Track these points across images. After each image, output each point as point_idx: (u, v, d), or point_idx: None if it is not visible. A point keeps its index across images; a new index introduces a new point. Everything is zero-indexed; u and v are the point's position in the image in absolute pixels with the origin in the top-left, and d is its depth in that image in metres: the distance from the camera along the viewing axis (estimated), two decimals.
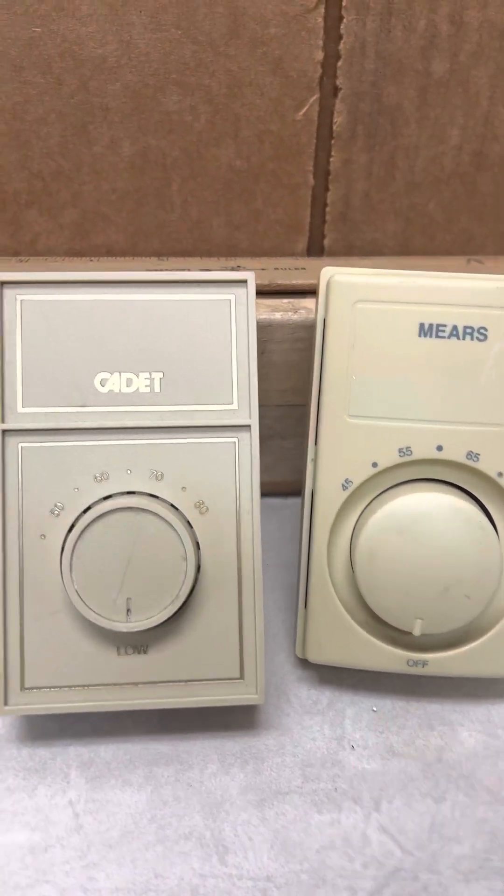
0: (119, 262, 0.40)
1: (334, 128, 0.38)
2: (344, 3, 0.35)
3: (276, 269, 0.38)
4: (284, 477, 0.41)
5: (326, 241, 0.41)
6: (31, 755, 0.30)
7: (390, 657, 0.31)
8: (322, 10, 0.35)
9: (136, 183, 0.39)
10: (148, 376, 0.29)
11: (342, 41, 0.36)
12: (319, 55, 0.36)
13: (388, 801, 0.29)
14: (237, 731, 0.31)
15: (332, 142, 0.38)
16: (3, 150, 0.37)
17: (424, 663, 0.30)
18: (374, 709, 0.32)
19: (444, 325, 0.28)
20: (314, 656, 0.31)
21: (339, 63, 0.36)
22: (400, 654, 0.31)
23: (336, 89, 0.37)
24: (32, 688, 0.29)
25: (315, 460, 0.30)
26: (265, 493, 0.42)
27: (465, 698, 0.32)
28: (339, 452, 0.30)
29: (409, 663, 0.31)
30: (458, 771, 0.30)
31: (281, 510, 0.41)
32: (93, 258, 0.40)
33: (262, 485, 0.41)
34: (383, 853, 0.27)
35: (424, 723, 0.31)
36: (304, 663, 0.33)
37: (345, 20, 0.35)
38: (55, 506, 0.29)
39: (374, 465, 0.29)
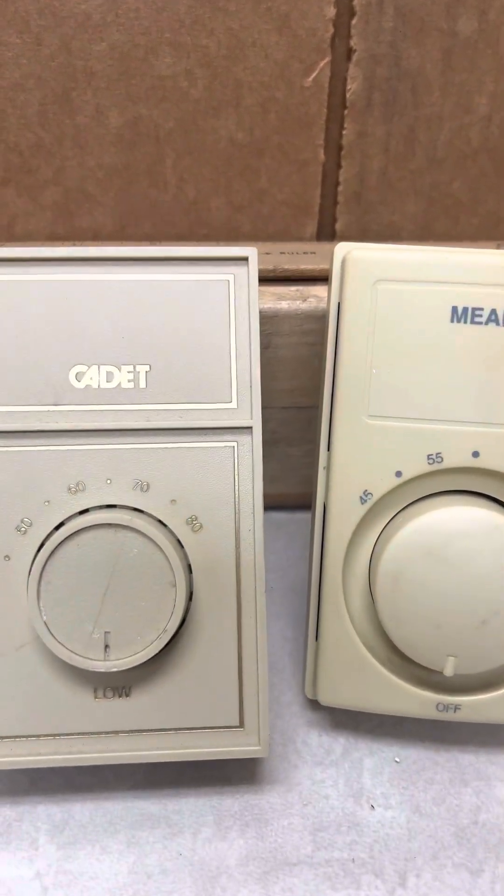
0: None
1: (347, 96, 0.34)
2: None
3: (281, 253, 0.34)
4: (292, 489, 0.37)
5: (338, 225, 0.37)
6: None
7: (417, 700, 0.26)
8: None
9: (126, 158, 0.34)
10: (132, 370, 0.25)
11: None
12: (331, 12, 0.32)
13: (415, 874, 0.24)
14: (236, 787, 0.26)
15: (346, 112, 0.34)
16: None
17: (457, 708, 0.26)
18: (398, 759, 0.27)
19: (481, 309, 0.24)
20: (327, 698, 0.27)
21: (354, 21, 0.32)
22: (428, 697, 0.26)
23: (350, 51, 0.33)
24: None
25: (328, 468, 0.26)
26: (270, 507, 0.38)
27: (502, 747, 0.28)
28: (357, 459, 0.25)
29: (439, 708, 0.26)
30: (498, 836, 0.25)
31: (287, 526, 0.37)
32: (77, 243, 0.36)
33: (267, 497, 0.37)
34: None
35: (457, 777, 0.27)
36: (315, 704, 0.29)
37: None
38: (22, 522, 0.24)
39: (398, 474, 0.25)
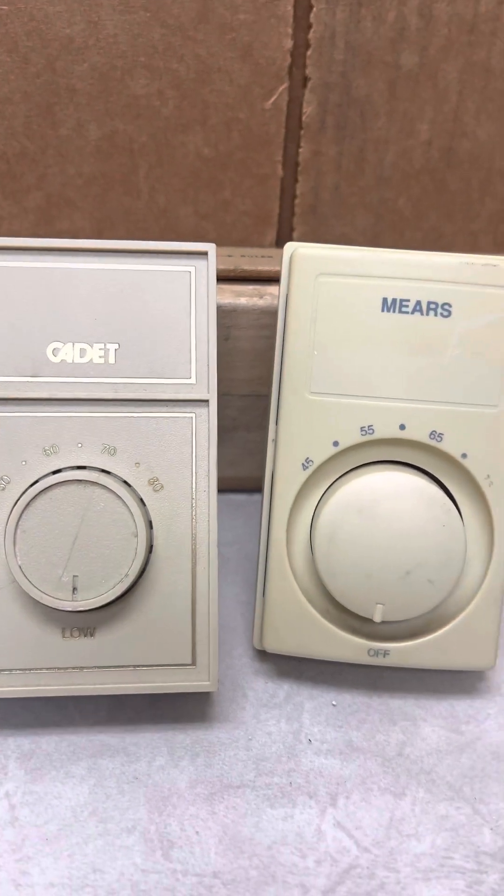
0: None
1: (303, 118, 0.38)
2: None
3: (242, 256, 0.38)
4: (250, 472, 0.40)
5: (295, 234, 0.41)
6: None
7: (350, 646, 0.29)
8: None
9: (103, 168, 0.38)
10: (102, 347, 0.28)
11: (312, 30, 0.36)
12: (289, 43, 0.36)
13: (345, 796, 0.27)
14: (189, 724, 0.29)
15: (302, 132, 0.38)
16: None
17: (386, 653, 0.29)
18: (335, 703, 0.30)
19: (408, 301, 0.28)
20: (271, 645, 0.30)
21: (309, 52, 0.36)
22: (360, 644, 0.29)
23: (305, 79, 0.37)
24: None
25: (275, 440, 0.29)
26: (229, 490, 0.41)
27: (428, 693, 0.31)
28: (300, 431, 0.29)
29: (370, 653, 0.29)
30: (420, 766, 0.28)
31: (246, 506, 0.40)
32: None
33: (226, 479, 0.41)
34: (338, 850, 0.26)
35: (386, 717, 0.30)
36: (263, 657, 0.32)
37: (315, 9, 0.35)
38: (1, 479, 0.27)
39: (336, 443, 0.28)
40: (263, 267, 0.36)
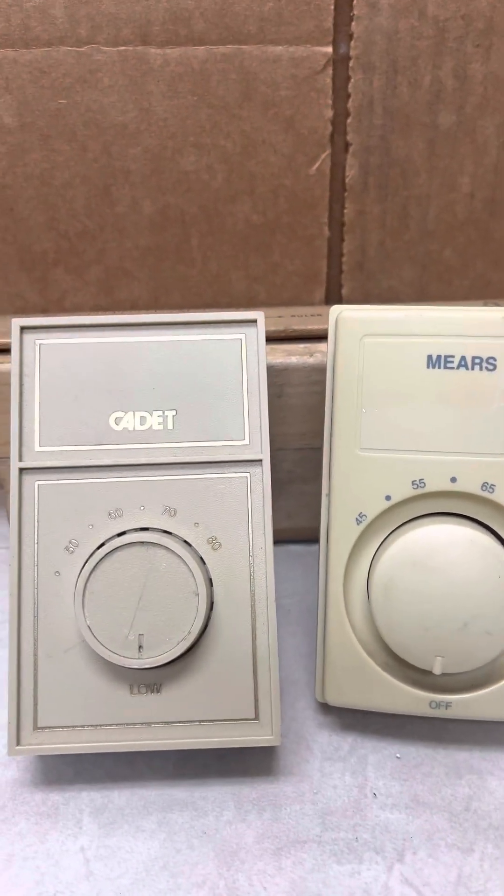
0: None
1: (346, 181, 0.39)
2: (351, 64, 0.37)
3: (292, 316, 0.39)
4: (307, 523, 0.41)
5: (344, 291, 0.42)
6: (45, 800, 0.29)
7: (412, 699, 0.29)
8: (330, 71, 0.37)
9: (157, 239, 0.40)
10: (161, 414, 0.30)
11: (350, 99, 0.37)
12: (329, 113, 0.38)
13: (412, 851, 0.27)
14: (255, 778, 0.30)
15: (345, 194, 0.40)
16: (33, 213, 0.39)
17: (448, 705, 0.29)
18: (399, 756, 0.31)
19: (452, 356, 0.28)
20: (333, 698, 0.30)
21: (349, 120, 0.38)
22: (422, 696, 0.29)
23: (347, 144, 0.39)
24: (45, 727, 0.28)
25: (329, 495, 0.30)
26: (286, 540, 0.42)
27: (494, 745, 0.31)
28: (352, 486, 0.29)
29: (432, 705, 0.29)
30: (488, 821, 0.28)
31: (304, 557, 0.41)
32: (117, 313, 0.42)
33: (284, 531, 0.41)
34: None
35: (452, 771, 0.30)
36: (326, 709, 0.32)
37: (352, 80, 0.37)
38: (70, 542, 0.29)
39: (388, 497, 0.29)
40: (312, 326, 0.37)
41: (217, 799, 0.29)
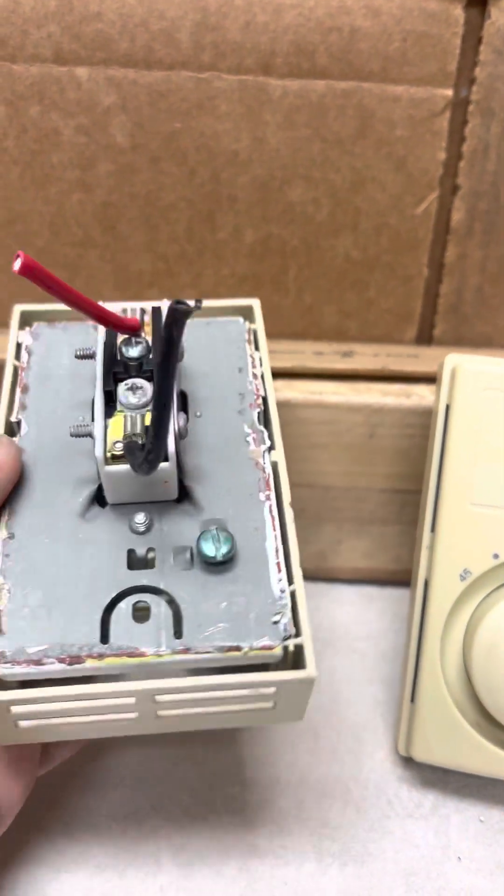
0: None
1: (451, 223, 0.39)
2: (470, 108, 0.36)
3: (388, 355, 0.39)
4: (383, 565, 0.41)
5: (436, 331, 0.42)
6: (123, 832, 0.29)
7: (501, 762, 0.29)
8: (448, 114, 0.36)
9: (255, 268, 0.40)
10: None
11: (465, 143, 0.37)
12: (442, 156, 0.37)
13: None
14: (336, 830, 0.29)
15: (448, 236, 0.39)
16: (134, 233, 0.39)
17: None
18: (482, 819, 0.30)
19: None
20: (419, 755, 0.30)
21: (461, 163, 0.38)
22: None
23: (455, 187, 0.38)
24: None
25: (431, 548, 0.30)
26: (363, 581, 0.41)
27: None
28: (459, 541, 0.29)
29: None
30: None
31: (378, 600, 0.40)
32: None
33: (360, 570, 0.41)
34: None
35: None
36: (406, 763, 0.32)
37: (469, 124, 0.36)
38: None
39: (496, 556, 0.29)
40: (409, 367, 0.37)
41: (297, 848, 0.28)
